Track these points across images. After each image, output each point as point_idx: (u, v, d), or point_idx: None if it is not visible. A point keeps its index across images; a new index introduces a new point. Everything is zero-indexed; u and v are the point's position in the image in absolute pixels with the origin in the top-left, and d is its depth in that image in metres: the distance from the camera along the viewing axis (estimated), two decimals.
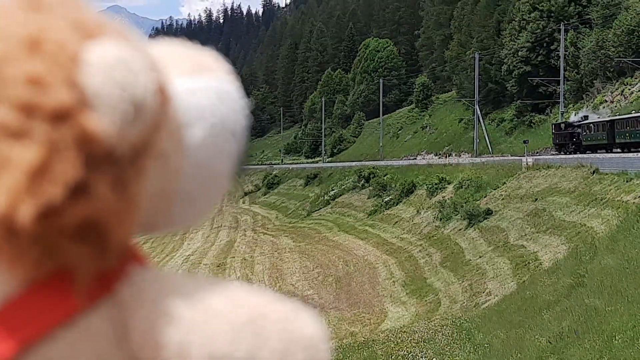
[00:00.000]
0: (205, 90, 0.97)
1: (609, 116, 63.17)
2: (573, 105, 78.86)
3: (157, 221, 0.97)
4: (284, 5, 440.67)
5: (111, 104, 0.81)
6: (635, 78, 69.95)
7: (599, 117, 64.82)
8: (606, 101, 72.28)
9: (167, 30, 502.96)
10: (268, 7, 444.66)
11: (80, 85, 0.81)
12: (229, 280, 0.96)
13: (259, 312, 0.90)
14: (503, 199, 52.86)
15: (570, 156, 56.38)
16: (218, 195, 1.03)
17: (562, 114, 76.17)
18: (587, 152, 59.95)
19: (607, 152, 55.55)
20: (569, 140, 67.26)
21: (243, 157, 1.03)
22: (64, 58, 0.81)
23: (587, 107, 74.86)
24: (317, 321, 0.94)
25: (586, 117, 67.33)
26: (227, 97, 0.99)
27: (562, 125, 70.22)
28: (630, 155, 46.77)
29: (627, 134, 55.12)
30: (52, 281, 0.84)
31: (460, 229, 52.89)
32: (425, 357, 27.86)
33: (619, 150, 55.88)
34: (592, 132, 63.26)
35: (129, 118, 0.82)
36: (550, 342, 21.08)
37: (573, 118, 69.41)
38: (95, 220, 0.82)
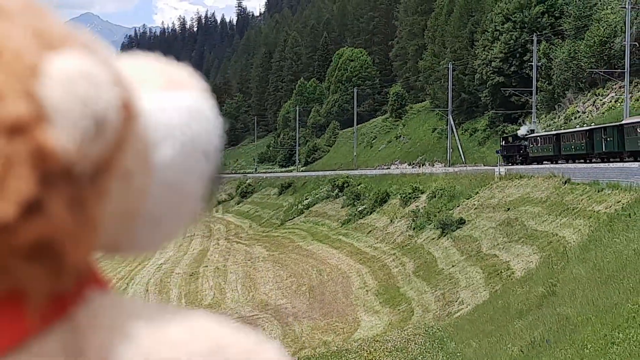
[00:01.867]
0: (177, 107, 0.93)
1: (555, 130, 69.50)
2: (545, 116, 79.50)
3: (120, 242, 0.93)
4: (258, 14, 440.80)
5: (71, 119, 0.77)
6: (607, 89, 70.58)
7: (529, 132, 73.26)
8: (578, 112, 72.91)
9: (141, 38, 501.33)
10: (242, 16, 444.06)
11: (38, 98, 0.77)
12: (191, 309, 0.92)
13: (220, 343, 0.87)
14: (476, 208, 53.07)
15: (542, 166, 57.34)
16: (187, 217, 0.98)
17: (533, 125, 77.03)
18: (534, 163, 65.85)
19: (552, 164, 60.90)
20: (516, 152, 73.75)
21: (215, 178, 0.98)
22: (21, 68, 0.77)
23: (559, 117, 75.69)
24: (283, 354, 0.90)
25: (532, 131, 73.41)
26: (200, 115, 0.95)
27: (510, 138, 76.44)
28: (602, 165, 47.36)
29: (572, 147, 60.99)
30: (3, 303, 0.80)
31: (433, 238, 53.02)
32: None
33: (563, 161, 61.42)
34: (539, 145, 69.11)
35: (90, 135, 0.78)
36: (522, 351, 21.19)
37: (522, 131, 75.12)
38: (50, 241, 0.78)
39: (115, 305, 0.89)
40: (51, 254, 0.79)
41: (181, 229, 1.00)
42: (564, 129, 67.95)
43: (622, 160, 50.25)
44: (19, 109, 0.76)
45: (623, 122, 53.38)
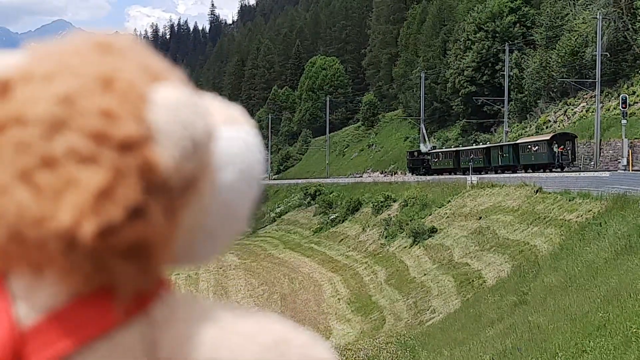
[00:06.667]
0: (237, 139, 1.04)
1: (454, 147, 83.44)
2: (517, 125, 79.83)
3: (180, 254, 1.02)
4: (231, 22, 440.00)
5: (173, 140, 0.90)
6: (578, 98, 70.95)
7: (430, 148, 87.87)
8: (549, 121, 73.25)
9: None
10: (215, 24, 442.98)
11: (147, 121, 0.89)
12: (253, 310, 1.03)
13: (283, 337, 0.97)
14: (448, 217, 53.10)
15: (514, 175, 57.62)
16: (235, 235, 1.10)
17: (506, 134, 77.23)
18: (434, 174, 76.85)
19: (450, 175, 72.00)
20: (420, 165, 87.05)
21: (258, 203, 1.10)
22: (133, 96, 0.90)
23: (531, 126, 76.05)
24: (332, 350, 1.01)
25: (435, 147, 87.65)
26: (253, 147, 1.06)
27: (415, 153, 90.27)
28: (573, 174, 47.70)
29: (469, 161, 70.80)
30: (94, 296, 0.91)
31: (405, 247, 52.98)
32: None
33: (461, 173, 71.38)
34: (440, 159, 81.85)
35: (187, 154, 0.91)
36: (493, 359, 21.15)
37: (423, 148, 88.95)
38: (145, 242, 0.90)
39: (187, 302, 1.00)
40: (144, 255, 0.91)
41: (228, 245, 1.12)
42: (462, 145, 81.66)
43: (514, 172, 60.91)
44: (131, 129, 0.88)
45: (518, 141, 65.48)
